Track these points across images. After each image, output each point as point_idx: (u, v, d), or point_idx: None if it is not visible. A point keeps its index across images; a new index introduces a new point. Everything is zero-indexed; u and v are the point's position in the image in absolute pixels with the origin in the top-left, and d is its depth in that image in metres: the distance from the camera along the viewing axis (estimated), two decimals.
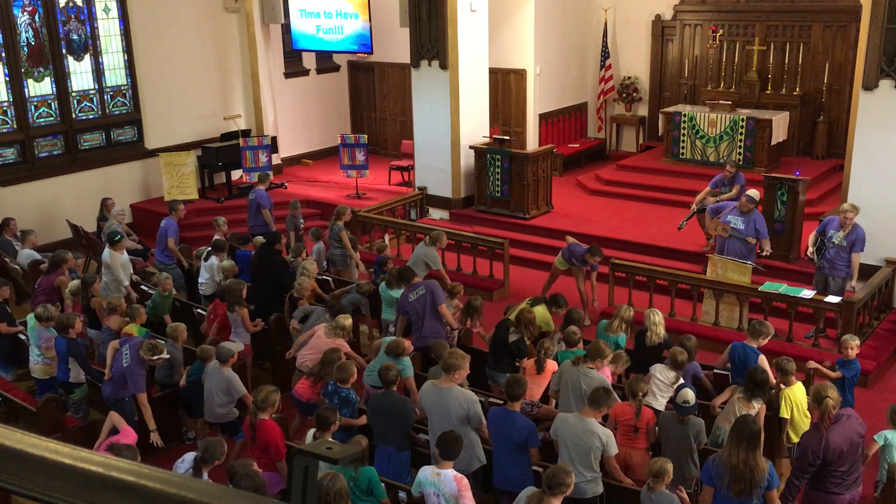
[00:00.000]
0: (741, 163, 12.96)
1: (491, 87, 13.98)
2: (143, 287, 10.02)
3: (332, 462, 1.28)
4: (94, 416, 7.87)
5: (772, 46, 14.71)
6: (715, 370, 7.60)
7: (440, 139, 13.34)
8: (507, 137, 13.60)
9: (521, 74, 15.19)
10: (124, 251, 9.94)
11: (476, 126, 13.39)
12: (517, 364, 7.55)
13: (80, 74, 13.65)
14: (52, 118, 13.41)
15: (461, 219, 13.20)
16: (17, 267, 10.75)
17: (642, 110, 16.48)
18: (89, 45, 13.69)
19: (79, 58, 13.61)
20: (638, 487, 5.92)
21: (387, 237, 12.11)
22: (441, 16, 12.80)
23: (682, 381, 6.88)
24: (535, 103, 15.24)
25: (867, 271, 9.58)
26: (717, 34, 15.19)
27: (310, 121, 16.99)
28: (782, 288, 9.27)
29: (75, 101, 13.64)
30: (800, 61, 14.49)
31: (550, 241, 11.83)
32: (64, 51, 13.36)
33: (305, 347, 7.84)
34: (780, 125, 13.65)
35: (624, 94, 16.43)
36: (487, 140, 13.30)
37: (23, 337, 8.77)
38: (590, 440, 5.76)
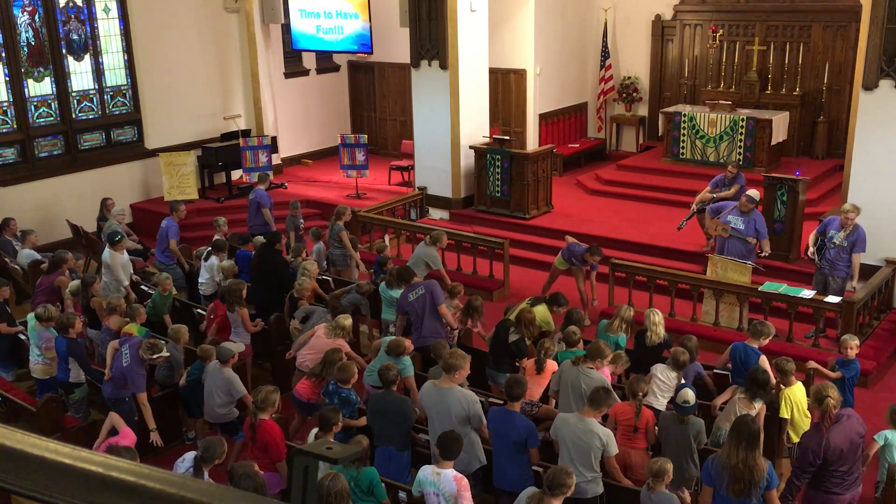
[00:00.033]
0: (741, 163, 12.95)
1: (491, 87, 13.99)
2: (143, 287, 10.02)
3: (333, 462, 1.28)
4: (94, 416, 7.87)
5: (772, 46, 14.71)
6: (715, 370, 7.60)
7: (440, 139, 13.34)
8: (507, 137, 13.60)
9: (521, 74, 15.19)
10: (124, 251, 9.94)
11: (476, 126, 13.39)
12: (517, 364, 7.55)
13: (80, 74, 13.65)
14: (52, 118, 13.41)
15: (461, 219, 13.20)
16: (17, 267, 10.75)
17: (642, 110, 16.48)
18: (89, 45, 13.69)
19: (79, 58, 13.61)
20: (637, 487, 5.92)
21: (387, 237, 12.11)
22: (441, 16, 12.80)
23: (683, 380, 6.88)
24: (535, 103, 15.24)
25: (867, 271, 9.58)
26: (717, 34, 15.19)
27: (310, 121, 16.99)
28: (782, 288, 9.27)
29: (75, 101, 13.65)
30: (800, 61, 14.50)
31: (550, 241, 11.82)
32: (64, 51, 13.36)
33: (305, 347, 7.84)
34: (780, 125, 13.65)
35: (624, 94, 16.43)
36: (487, 140, 13.30)
37: (23, 337, 8.78)
38: (590, 440, 5.76)
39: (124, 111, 14.28)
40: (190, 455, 5.97)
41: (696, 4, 15.49)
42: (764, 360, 7.00)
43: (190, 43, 14.66)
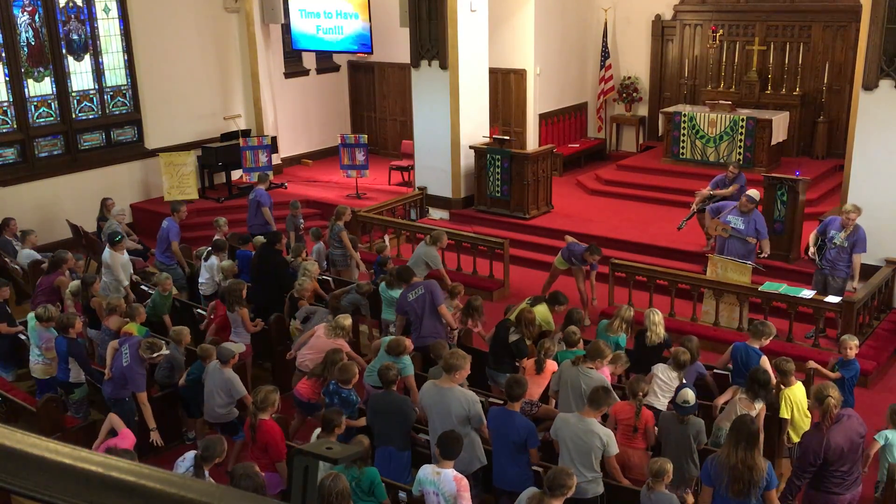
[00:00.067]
0: (741, 163, 12.95)
1: (491, 87, 13.99)
2: (143, 287, 10.02)
3: (333, 462, 1.28)
4: (94, 416, 7.87)
5: (772, 46, 14.72)
6: (714, 370, 7.60)
7: (440, 139, 13.35)
8: (507, 137, 13.60)
9: (521, 74, 15.20)
10: (125, 251, 9.95)
11: (476, 126, 13.39)
12: (517, 364, 7.55)
13: (80, 74, 13.65)
14: (52, 118, 13.41)
15: (461, 219, 13.20)
16: (17, 267, 10.75)
17: (642, 110, 16.48)
18: (89, 45, 13.69)
19: (79, 58, 13.61)
20: (635, 487, 5.93)
21: (386, 237, 12.10)
22: (441, 16, 12.80)
23: (684, 381, 6.87)
24: (535, 103, 15.24)
25: (867, 271, 9.58)
26: (717, 34, 15.19)
27: (310, 121, 16.99)
28: (782, 288, 9.27)
29: (75, 101, 13.65)
30: (800, 61, 14.50)
31: (550, 241, 11.83)
32: (64, 51, 13.36)
33: (305, 347, 7.84)
34: (780, 125, 13.65)
35: (624, 94, 16.43)
36: (487, 140, 13.30)
37: (23, 337, 8.78)
38: (590, 440, 5.76)
39: (124, 111, 14.28)
40: (190, 454, 5.97)
41: (696, 4, 15.49)
42: (765, 361, 7.00)
43: (190, 43, 14.66)
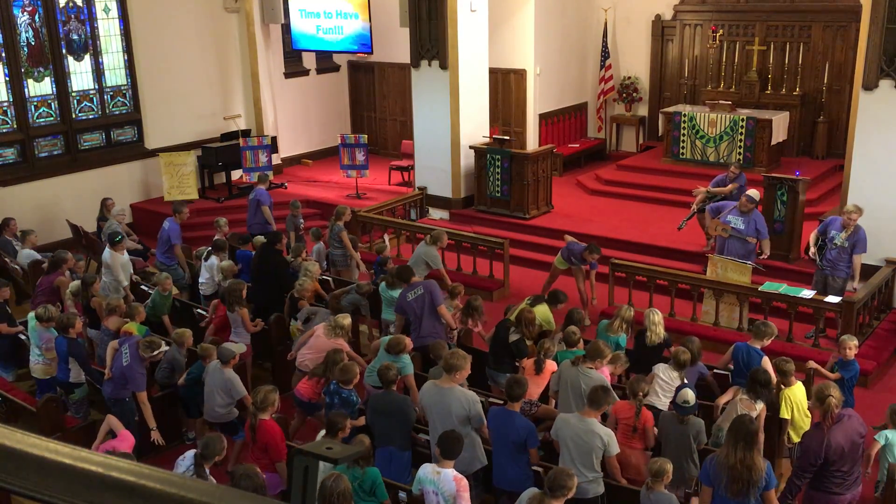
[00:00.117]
0: (741, 163, 12.95)
1: (491, 87, 13.99)
2: (142, 287, 10.02)
3: (333, 462, 1.28)
4: (94, 416, 7.87)
5: (772, 46, 14.72)
6: (715, 370, 7.59)
7: (440, 139, 13.35)
8: (507, 137, 13.60)
9: (521, 74, 15.20)
10: (125, 251, 9.95)
11: (476, 126, 13.40)
12: (517, 364, 7.55)
13: (80, 74, 13.65)
14: (52, 118, 13.42)
15: (461, 219, 13.20)
16: (17, 267, 10.75)
17: (642, 110, 16.48)
18: (89, 45, 13.69)
19: (79, 58, 13.61)
20: (633, 487, 5.93)
21: (386, 237, 12.10)
22: (441, 16, 12.80)
23: (685, 381, 6.87)
24: (535, 103, 15.24)
25: (868, 271, 9.58)
26: (717, 34, 15.19)
27: (310, 121, 16.99)
28: (782, 288, 9.27)
29: (75, 101, 13.65)
30: (800, 61, 14.50)
31: (550, 241, 11.83)
32: (64, 51, 13.36)
33: (305, 347, 7.84)
34: (780, 125, 13.65)
35: (624, 94, 16.43)
36: (487, 140, 13.30)
37: (23, 337, 8.78)
38: (591, 440, 5.76)
39: (124, 111, 14.28)
40: (190, 453, 5.98)
41: (696, 4, 15.49)
42: (766, 362, 6.99)
43: (190, 43, 14.66)
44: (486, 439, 6.30)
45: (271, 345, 8.88)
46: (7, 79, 12.78)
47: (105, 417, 6.86)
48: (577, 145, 16.22)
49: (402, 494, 5.91)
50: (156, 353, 7.41)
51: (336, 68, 17.57)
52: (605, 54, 16.15)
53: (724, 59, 15.26)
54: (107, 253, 9.73)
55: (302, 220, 11.86)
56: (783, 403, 6.68)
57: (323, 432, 6.24)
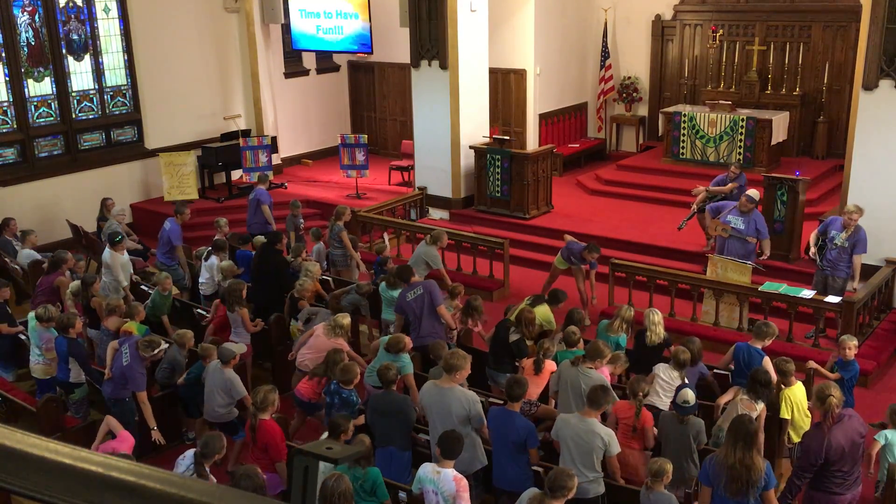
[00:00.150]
0: (741, 163, 12.95)
1: (491, 87, 13.99)
2: (142, 287, 10.02)
3: (333, 462, 1.28)
4: (94, 416, 7.87)
5: (772, 46, 14.72)
6: (715, 370, 7.59)
7: (440, 139, 13.35)
8: (507, 137, 13.60)
9: (521, 74, 15.20)
10: (125, 251, 9.95)
11: (476, 126, 13.40)
12: (517, 364, 7.55)
13: (80, 74, 13.65)
14: (52, 118, 13.41)
15: (461, 219, 13.20)
16: (17, 267, 10.75)
17: (642, 110, 16.48)
18: (89, 45, 13.69)
19: (79, 58, 13.61)
20: (631, 487, 5.93)
21: (386, 236, 12.09)
22: (441, 16, 12.80)
23: (686, 380, 6.86)
24: (535, 103, 15.24)
25: (868, 271, 9.58)
26: (717, 34, 15.19)
27: (310, 121, 16.99)
28: (782, 288, 9.27)
29: (75, 101, 13.65)
30: (800, 61, 14.50)
31: (550, 241, 11.82)
32: (64, 51, 13.36)
33: (304, 347, 7.84)
34: (780, 125, 13.65)
35: (624, 94, 16.43)
36: (487, 140, 13.30)
37: (23, 337, 8.78)
38: (592, 440, 5.76)
39: (124, 111, 14.28)
40: (190, 453, 5.99)
41: (696, 4, 15.49)
42: (767, 362, 6.98)
43: (190, 43, 14.66)
44: (486, 439, 6.30)
45: (271, 345, 8.88)
46: (7, 79, 12.78)
47: (104, 419, 6.85)
48: (577, 145, 16.22)
49: (402, 494, 5.91)
50: (156, 351, 7.42)
51: (336, 68, 17.57)
52: (605, 54, 16.15)
53: (724, 59, 15.26)
54: (107, 253, 9.73)
55: (302, 220, 11.86)
56: (783, 403, 6.68)
57: (325, 435, 6.23)
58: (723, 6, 15.21)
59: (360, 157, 14.25)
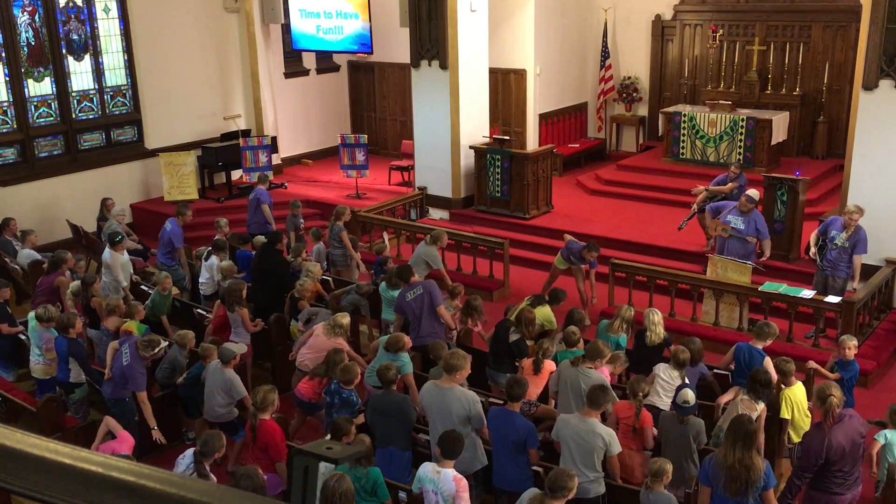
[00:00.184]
0: (741, 163, 12.95)
1: (491, 87, 13.99)
2: (142, 287, 10.02)
3: (333, 462, 1.28)
4: (94, 417, 7.87)
5: (772, 46, 14.72)
6: (715, 370, 7.59)
7: (440, 139, 13.35)
8: (507, 137, 13.60)
9: (521, 74, 15.20)
10: (125, 251, 9.95)
11: (476, 126, 13.40)
12: (517, 364, 7.55)
13: (80, 74, 13.65)
14: (52, 118, 13.41)
15: (461, 219, 13.20)
16: (17, 267, 10.75)
17: (642, 110, 16.48)
18: (89, 45, 13.69)
19: (79, 58, 13.61)
20: (630, 486, 5.92)
21: (385, 235, 12.08)
22: (441, 16, 12.80)
23: (687, 380, 6.86)
24: (535, 103, 15.24)
25: (868, 271, 9.58)
26: (717, 34, 15.19)
27: (310, 121, 16.99)
28: (782, 288, 9.27)
29: (75, 101, 13.65)
30: (800, 61, 14.50)
31: (550, 241, 11.82)
32: (64, 51, 13.36)
33: (304, 347, 7.84)
34: (780, 125, 13.65)
35: (624, 94, 16.43)
36: (487, 140, 13.30)
37: (23, 337, 8.78)
38: (593, 440, 5.76)
39: (124, 111, 14.28)
40: (190, 452, 5.99)
41: (696, 4, 15.49)
42: (769, 362, 6.97)
43: (190, 43, 14.66)
44: (486, 439, 6.30)
45: (271, 345, 8.88)
46: (7, 79, 12.78)
47: (103, 420, 6.85)
48: (577, 145, 16.22)
49: (403, 494, 5.91)
50: (156, 350, 7.43)
51: (336, 68, 17.57)
52: (605, 54, 16.15)
53: (724, 59, 15.26)
54: (107, 253, 9.73)
55: (302, 220, 11.86)
56: (783, 403, 6.68)
57: (328, 437, 6.23)
58: (723, 6, 15.21)
59: (360, 157, 14.25)
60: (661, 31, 15.93)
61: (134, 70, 14.16)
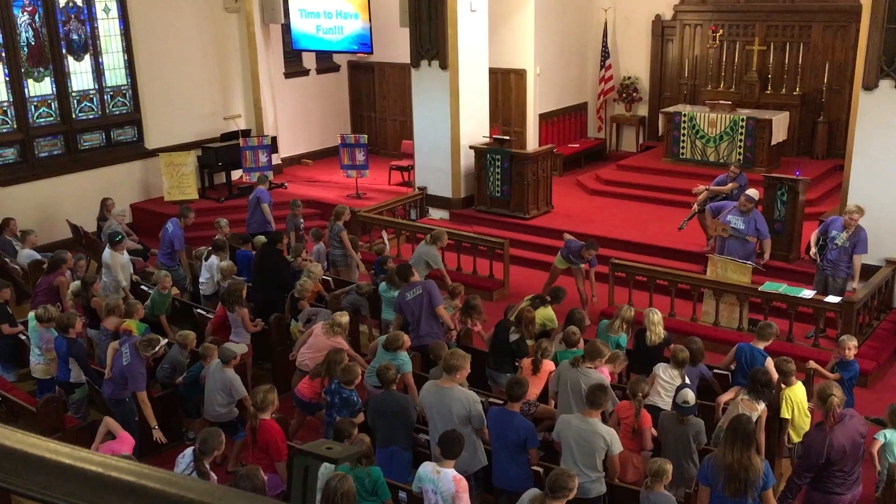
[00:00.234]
0: (741, 163, 12.95)
1: (491, 87, 13.99)
2: (143, 287, 10.01)
3: (333, 462, 1.28)
4: (94, 416, 7.86)
5: (772, 46, 14.71)
6: (715, 370, 7.59)
7: (440, 139, 13.35)
8: (507, 137, 13.60)
9: (521, 74, 15.19)
10: (125, 251, 9.95)
11: (476, 126, 13.40)
12: (517, 364, 7.54)
13: (80, 74, 13.65)
14: (52, 118, 13.41)
15: (461, 219, 13.19)
16: (17, 267, 10.75)
17: (642, 110, 16.48)
18: (89, 45, 13.69)
19: (79, 58, 13.61)
20: (629, 486, 5.92)
21: (384, 234, 12.07)
22: (441, 16, 12.80)
23: (687, 380, 6.86)
24: (535, 103, 15.24)
25: (868, 271, 9.58)
26: (717, 34, 15.19)
27: (310, 121, 16.99)
28: (782, 288, 9.27)
29: (75, 101, 13.65)
30: (800, 61, 14.50)
31: (550, 241, 11.82)
32: (64, 51, 13.36)
33: (304, 347, 7.85)
34: (780, 125, 13.65)
35: (624, 94, 16.43)
36: (487, 140, 13.30)
37: (23, 337, 8.78)
38: (594, 441, 5.76)
39: (124, 111, 14.28)
40: (190, 451, 6.00)
41: (696, 4, 15.49)
42: (770, 363, 6.97)
43: (190, 43, 14.66)
44: (486, 440, 6.30)
45: (271, 345, 8.87)
46: (7, 79, 12.78)
47: (103, 420, 6.84)
48: (577, 145, 16.22)
49: (403, 494, 5.91)
50: (156, 349, 7.43)
51: (336, 68, 17.57)
52: (605, 54, 16.15)
53: (724, 59, 15.26)
54: (107, 253, 9.73)
55: (302, 220, 11.85)
56: (784, 403, 6.68)
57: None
58: (723, 6, 15.21)
59: (360, 157, 14.26)
60: (661, 31, 15.93)
61: (134, 70, 14.16)
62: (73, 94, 13.60)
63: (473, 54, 13.12)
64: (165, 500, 1.00)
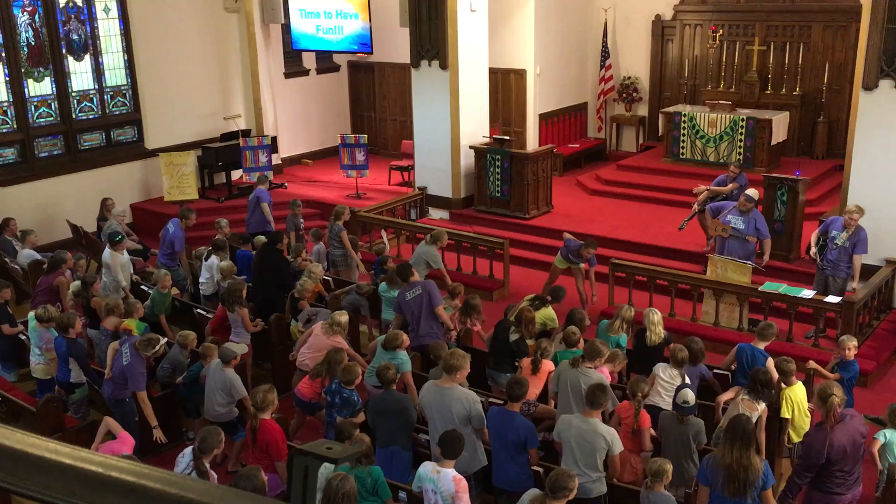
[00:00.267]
0: (741, 163, 12.95)
1: (491, 87, 13.99)
2: (143, 287, 10.01)
3: (333, 462, 1.28)
4: (94, 416, 7.86)
5: (772, 46, 14.72)
6: (716, 370, 7.59)
7: (440, 139, 13.35)
8: (507, 137, 13.60)
9: (521, 74, 15.20)
10: (125, 251, 9.95)
11: (476, 126, 13.40)
12: (517, 364, 7.54)
13: (80, 74, 13.66)
14: (52, 118, 13.41)
15: (461, 219, 13.20)
16: (17, 267, 10.75)
17: (642, 110, 16.48)
18: (89, 45, 13.69)
19: (79, 58, 13.61)
20: (629, 486, 5.92)
21: (384, 234, 12.07)
22: (441, 16, 12.80)
23: (688, 380, 6.86)
24: (535, 103, 15.24)
25: (868, 271, 9.58)
26: (717, 34, 15.19)
27: (310, 121, 16.99)
28: (782, 288, 9.27)
29: (75, 101, 13.65)
30: (800, 61, 14.50)
31: (550, 241, 11.82)
32: (64, 51, 13.36)
33: (304, 347, 7.85)
34: (780, 125, 13.65)
35: (624, 94, 16.43)
36: (487, 140, 13.30)
37: (23, 337, 8.78)
38: (595, 441, 5.76)
39: (124, 111, 14.28)
40: (189, 450, 6.00)
41: (696, 4, 15.49)
42: (771, 363, 6.97)
43: (190, 43, 14.66)
44: (486, 440, 6.30)
45: (271, 345, 8.87)
46: (7, 79, 12.78)
47: (103, 420, 6.84)
48: (577, 145, 16.22)
49: (403, 494, 5.92)
50: (155, 349, 7.43)
51: (336, 68, 17.57)
52: (605, 54, 16.15)
53: (724, 59, 15.26)
54: (107, 253, 9.73)
55: (302, 220, 11.85)
56: (784, 403, 6.68)
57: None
58: (723, 6, 15.21)
59: (360, 157, 14.26)
60: (661, 31, 15.93)
61: (134, 70, 14.16)
62: (73, 94, 13.60)
63: (473, 54, 13.13)
64: (165, 500, 1.00)
